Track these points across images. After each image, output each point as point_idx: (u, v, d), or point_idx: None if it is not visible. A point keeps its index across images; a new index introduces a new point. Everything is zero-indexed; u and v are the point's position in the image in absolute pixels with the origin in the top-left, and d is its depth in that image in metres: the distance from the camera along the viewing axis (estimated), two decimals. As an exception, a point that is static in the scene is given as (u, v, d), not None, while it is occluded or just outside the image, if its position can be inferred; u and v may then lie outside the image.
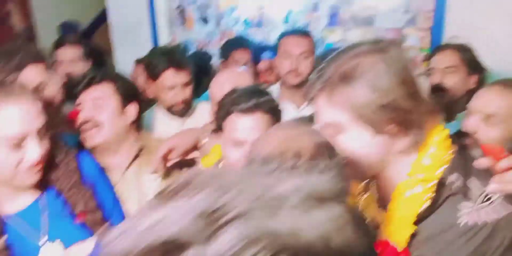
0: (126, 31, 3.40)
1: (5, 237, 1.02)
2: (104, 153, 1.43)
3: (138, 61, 2.91)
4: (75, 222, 1.13)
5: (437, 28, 2.54)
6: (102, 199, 1.24)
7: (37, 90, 1.28)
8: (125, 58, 3.36)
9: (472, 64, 1.80)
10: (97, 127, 1.36)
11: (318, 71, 0.91)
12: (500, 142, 1.15)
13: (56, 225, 1.07)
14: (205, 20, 3.27)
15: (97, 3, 4.58)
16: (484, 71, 1.90)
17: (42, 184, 1.13)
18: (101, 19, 4.62)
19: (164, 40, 3.39)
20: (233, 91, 1.26)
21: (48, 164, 1.12)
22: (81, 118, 1.36)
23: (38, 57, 1.37)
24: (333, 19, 2.88)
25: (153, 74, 1.83)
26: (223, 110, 1.22)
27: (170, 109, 1.87)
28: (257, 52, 2.63)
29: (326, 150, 0.73)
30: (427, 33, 2.61)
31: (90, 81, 1.37)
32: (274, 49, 2.40)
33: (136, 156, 1.46)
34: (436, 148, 0.88)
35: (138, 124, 1.48)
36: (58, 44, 2.39)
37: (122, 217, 1.31)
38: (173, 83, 1.78)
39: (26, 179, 1.05)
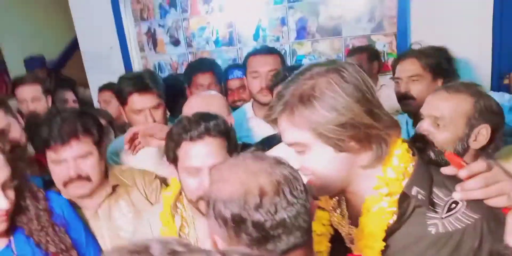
0: (98, 58, 3.39)
1: None
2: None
3: (102, 88, 2.92)
4: None
5: (402, 33, 2.59)
6: (75, 236, 1.21)
7: (1, 135, 1.27)
8: (99, 84, 3.34)
9: (436, 69, 1.82)
10: (88, 180, 1.35)
11: (277, 93, 0.93)
12: (451, 143, 1.19)
13: None
14: (176, 42, 3.29)
15: (67, 32, 4.59)
16: (451, 73, 1.93)
17: (11, 229, 1.11)
18: (73, 47, 4.62)
19: (136, 64, 3.39)
20: (180, 119, 1.23)
21: (16, 208, 1.10)
22: (69, 174, 1.32)
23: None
24: (301, 32, 2.91)
25: (122, 99, 1.82)
26: (173, 140, 1.20)
27: None
28: (227, 71, 2.63)
29: (287, 185, 0.71)
30: (393, 38, 2.66)
31: (70, 135, 1.31)
32: (244, 67, 2.42)
33: (110, 194, 1.44)
34: (398, 161, 0.89)
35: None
36: (16, 84, 2.41)
37: (97, 253, 1.28)
38: (140, 106, 1.76)
39: None
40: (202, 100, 1.64)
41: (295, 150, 0.93)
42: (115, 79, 3.30)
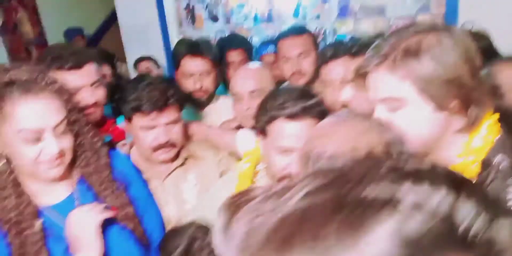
0: (136, 32, 3.41)
1: (41, 220, 1.07)
2: (144, 161, 1.46)
3: (141, 59, 3.05)
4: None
5: (450, 14, 2.51)
6: (136, 195, 1.25)
7: (86, 90, 1.37)
8: (135, 56, 3.38)
9: (486, 53, 1.76)
10: (173, 147, 1.41)
11: (373, 48, 0.90)
12: None
13: None
14: (214, 18, 3.27)
15: (106, 6, 4.62)
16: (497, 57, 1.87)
17: (74, 179, 1.16)
18: (111, 21, 4.66)
19: (174, 40, 3.40)
20: (276, 93, 1.17)
21: (78, 159, 1.15)
22: (160, 140, 1.38)
23: (97, 58, 1.48)
24: (344, 10, 2.86)
25: (176, 62, 1.85)
26: (267, 114, 1.14)
27: (189, 99, 1.84)
28: (261, 46, 2.60)
29: (395, 147, 0.70)
30: (441, 20, 2.58)
31: (163, 104, 1.36)
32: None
33: (179, 166, 1.47)
34: (486, 131, 0.88)
35: None
36: None
37: (156, 216, 1.33)
38: (191, 69, 1.79)
39: (48, 173, 1.07)
40: (254, 73, 1.63)
41: (386, 107, 0.88)
42: (152, 54, 3.36)
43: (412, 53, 0.83)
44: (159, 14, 3.31)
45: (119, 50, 3.61)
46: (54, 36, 4.20)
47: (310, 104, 1.12)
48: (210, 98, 1.89)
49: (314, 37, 2.09)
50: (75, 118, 1.11)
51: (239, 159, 1.40)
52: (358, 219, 0.32)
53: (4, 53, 3.81)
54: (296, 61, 1.91)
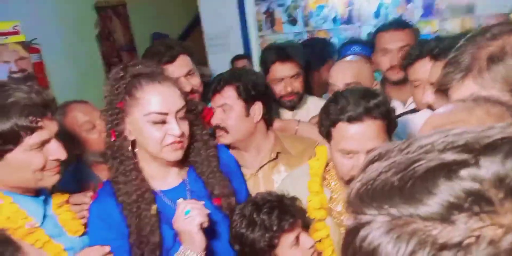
0: (218, 36, 3.57)
1: (156, 205, 1.19)
2: (238, 150, 1.54)
3: (235, 58, 3.27)
4: (212, 203, 1.25)
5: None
6: (236, 187, 1.32)
7: (182, 79, 1.54)
8: (218, 63, 3.54)
9: None
10: (226, 131, 1.47)
11: (449, 61, 0.89)
12: None
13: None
14: (293, 21, 3.33)
15: (188, 13, 4.87)
16: None
17: (185, 167, 1.27)
18: (193, 26, 4.90)
19: (254, 43, 3.51)
20: (338, 96, 1.15)
21: (190, 148, 1.26)
22: (212, 123, 1.48)
23: (188, 50, 1.65)
24: (428, 9, 2.78)
25: (265, 68, 1.93)
26: (329, 118, 1.14)
27: (280, 101, 1.92)
28: (344, 47, 2.59)
29: None
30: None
31: (215, 87, 1.49)
32: (365, 44, 2.38)
33: (273, 159, 1.53)
34: None
35: (266, 120, 1.55)
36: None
37: None
38: (281, 75, 1.84)
39: (170, 155, 1.18)
40: (351, 65, 1.64)
41: None
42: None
43: (497, 59, 0.81)
44: (240, 19, 3.44)
45: (200, 54, 3.79)
46: (142, 42, 4.52)
47: (372, 106, 1.10)
48: (300, 99, 1.94)
49: (416, 33, 2.04)
50: (189, 108, 1.23)
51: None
52: None
53: (99, 58, 4.17)
54: (395, 55, 1.87)
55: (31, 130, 1.05)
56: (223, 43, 3.56)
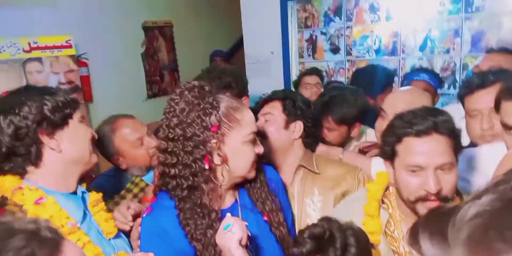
0: (259, 62, 3.61)
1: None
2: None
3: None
4: (263, 218, 1.24)
5: None
6: (283, 205, 1.31)
7: None
8: (257, 87, 3.56)
9: None
10: (265, 137, 1.48)
11: None
12: None
13: (250, 219, 1.17)
14: (335, 50, 3.33)
15: (232, 37, 4.99)
16: None
17: (236, 188, 1.26)
18: (235, 50, 5.01)
19: (294, 70, 3.52)
20: (403, 114, 1.14)
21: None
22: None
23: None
24: (477, 44, 2.71)
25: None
26: (395, 135, 1.12)
27: None
28: (413, 73, 2.55)
29: None
30: None
31: (265, 99, 1.56)
32: (435, 75, 2.36)
33: (295, 171, 1.50)
34: None
35: (304, 142, 1.55)
36: None
37: (292, 226, 1.37)
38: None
39: (252, 172, 1.21)
40: (407, 94, 1.61)
41: None
42: (273, 83, 3.51)
43: None
44: (283, 44, 3.47)
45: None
46: (184, 63, 4.64)
47: (440, 121, 1.08)
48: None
49: None
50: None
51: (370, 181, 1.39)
52: None
53: (142, 75, 4.31)
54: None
55: (75, 105, 1.21)
56: (264, 68, 3.59)
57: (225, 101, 1.14)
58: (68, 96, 1.19)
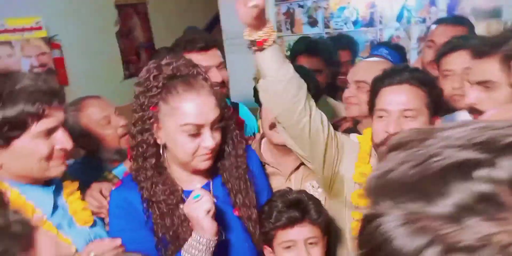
0: (237, 37, 3.54)
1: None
2: (280, 155, 1.50)
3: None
4: (233, 212, 1.22)
5: None
6: (258, 190, 1.29)
7: (214, 70, 1.56)
8: (236, 63, 3.52)
9: None
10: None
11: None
12: None
13: (218, 209, 1.15)
14: (313, 23, 3.30)
15: (208, 13, 4.87)
16: None
17: (212, 172, 1.24)
18: (211, 27, 4.90)
19: (273, 44, 3.48)
20: (383, 71, 1.29)
21: (218, 154, 1.22)
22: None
23: (221, 45, 1.69)
24: (452, 13, 2.72)
25: (291, 59, 1.97)
26: (373, 90, 1.27)
27: None
28: (373, 48, 2.55)
29: None
30: None
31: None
32: (396, 49, 2.35)
33: (300, 165, 1.47)
34: None
35: None
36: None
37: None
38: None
39: (200, 164, 1.16)
40: (369, 65, 1.65)
41: None
42: (251, 58, 3.46)
43: None
44: (260, 19, 3.41)
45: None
46: (160, 40, 4.53)
47: (414, 73, 1.22)
48: (318, 99, 1.92)
49: (470, 31, 1.99)
50: (225, 115, 1.20)
51: None
52: None
53: (118, 55, 4.20)
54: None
55: (38, 117, 1.03)
56: (242, 42, 3.53)
57: (175, 84, 1.10)
58: (29, 108, 1.01)
